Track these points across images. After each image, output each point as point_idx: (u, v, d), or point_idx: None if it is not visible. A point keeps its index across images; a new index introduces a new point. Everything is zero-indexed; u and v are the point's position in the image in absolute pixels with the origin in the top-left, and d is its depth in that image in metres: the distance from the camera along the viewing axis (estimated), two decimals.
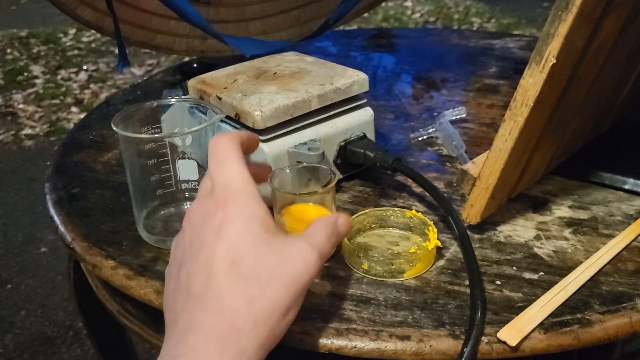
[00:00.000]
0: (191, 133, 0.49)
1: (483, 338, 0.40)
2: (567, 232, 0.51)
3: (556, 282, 0.45)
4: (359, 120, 0.58)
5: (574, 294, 0.44)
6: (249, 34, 0.93)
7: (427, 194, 0.55)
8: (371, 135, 0.59)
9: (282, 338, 0.35)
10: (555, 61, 0.41)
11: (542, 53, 0.41)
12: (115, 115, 0.49)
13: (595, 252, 0.48)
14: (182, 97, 0.58)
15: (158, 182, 0.52)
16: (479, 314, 0.41)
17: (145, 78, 0.97)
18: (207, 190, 0.39)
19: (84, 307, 0.75)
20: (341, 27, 1.13)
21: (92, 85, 2.84)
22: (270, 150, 0.53)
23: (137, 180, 0.52)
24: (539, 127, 0.47)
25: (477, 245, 0.50)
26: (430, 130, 0.69)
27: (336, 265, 0.48)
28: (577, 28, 0.41)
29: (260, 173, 0.46)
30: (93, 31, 1.06)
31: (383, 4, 3.59)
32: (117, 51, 0.82)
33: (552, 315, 0.42)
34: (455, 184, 0.52)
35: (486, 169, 0.47)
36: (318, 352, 0.41)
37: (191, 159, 0.51)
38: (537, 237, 0.51)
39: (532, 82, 0.43)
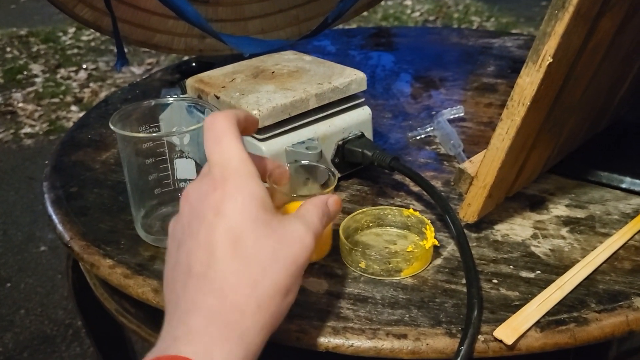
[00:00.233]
0: (189, 132, 0.49)
1: (479, 336, 0.41)
2: (564, 231, 0.51)
3: (553, 281, 0.45)
4: (357, 119, 0.58)
5: (571, 292, 0.44)
6: (248, 33, 0.93)
7: (425, 193, 0.55)
8: (369, 134, 0.59)
9: (280, 337, 0.35)
10: (552, 60, 0.41)
11: (539, 52, 0.41)
12: (113, 115, 0.50)
13: (592, 250, 0.49)
14: (180, 96, 0.58)
15: (156, 181, 0.52)
16: (475, 313, 0.41)
17: (144, 77, 0.97)
18: (205, 170, 0.39)
19: (82, 306, 0.75)
20: (340, 26, 1.13)
21: (91, 84, 2.84)
22: (268, 149, 0.53)
23: (135, 179, 0.52)
24: (535, 126, 0.47)
25: (474, 244, 0.50)
26: (428, 129, 0.69)
27: (333, 263, 0.48)
28: (574, 27, 0.41)
29: (277, 174, 0.45)
30: (92, 30, 1.06)
31: (382, 3, 3.58)
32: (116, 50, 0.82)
33: (548, 313, 0.42)
34: (452, 183, 0.52)
35: (483, 167, 0.48)
36: (315, 350, 0.41)
37: (189, 158, 0.51)
38: (534, 236, 0.51)
39: (529, 81, 0.43)
